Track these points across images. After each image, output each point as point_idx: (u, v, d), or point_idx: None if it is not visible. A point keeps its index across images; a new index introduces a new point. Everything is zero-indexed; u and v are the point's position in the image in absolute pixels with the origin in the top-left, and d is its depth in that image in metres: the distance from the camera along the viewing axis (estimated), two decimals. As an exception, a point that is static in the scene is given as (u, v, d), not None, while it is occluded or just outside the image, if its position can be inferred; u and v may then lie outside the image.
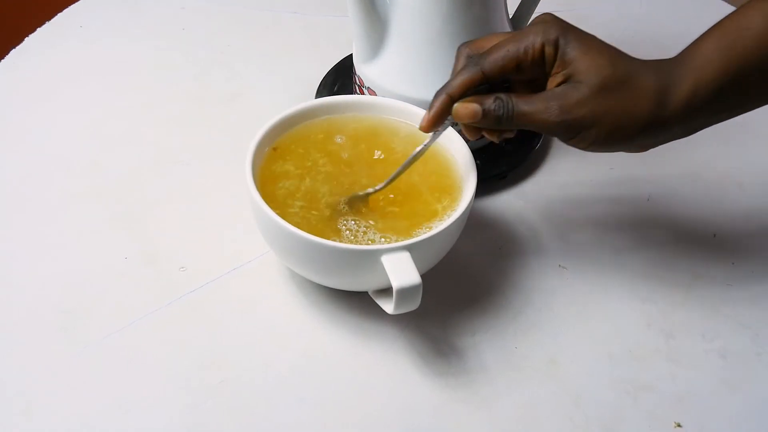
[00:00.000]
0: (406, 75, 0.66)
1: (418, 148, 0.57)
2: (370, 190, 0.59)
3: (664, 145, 0.74)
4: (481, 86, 0.54)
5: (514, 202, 0.70)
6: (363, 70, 0.68)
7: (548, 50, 0.52)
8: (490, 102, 0.53)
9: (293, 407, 0.56)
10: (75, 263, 0.63)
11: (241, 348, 0.59)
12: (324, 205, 0.58)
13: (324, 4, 0.89)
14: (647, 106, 0.52)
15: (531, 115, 0.52)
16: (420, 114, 0.62)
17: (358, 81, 0.70)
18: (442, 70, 0.66)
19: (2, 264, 0.63)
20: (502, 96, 0.53)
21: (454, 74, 0.55)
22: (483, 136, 0.56)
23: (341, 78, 0.77)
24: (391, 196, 0.59)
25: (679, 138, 0.55)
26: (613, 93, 0.51)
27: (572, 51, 0.52)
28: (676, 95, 0.52)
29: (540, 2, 0.71)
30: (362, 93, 0.70)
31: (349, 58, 0.75)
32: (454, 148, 0.61)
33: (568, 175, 0.72)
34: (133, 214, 0.66)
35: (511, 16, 0.70)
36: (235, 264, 0.63)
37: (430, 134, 0.56)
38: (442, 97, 0.54)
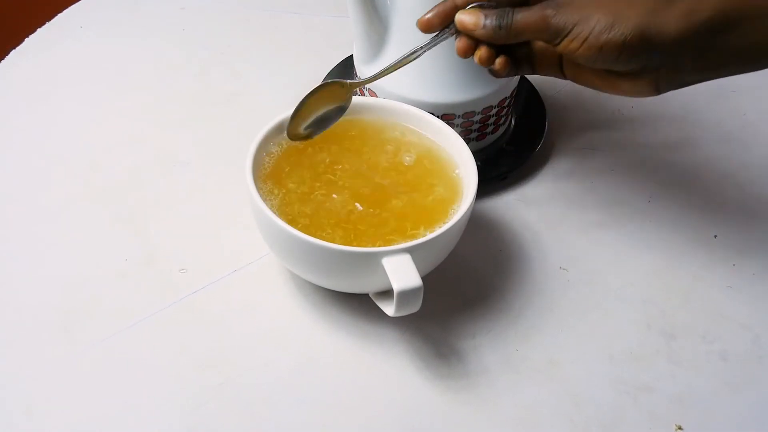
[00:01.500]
0: (406, 76, 0.66)
1: (412, 48, 0.58)
2: (353, 80, 0.60)
3: (665, 146, 0.75)
4: (487, 2, 0.56)
5: (514, 203, 0.69)
6: (363, 71, 0.68)
7: None
8: (492, 12, 0.55)
9: (293, 409, 0.56)
10: (75, 264, 0.63)
11: (241, 349, 0.59)
12: (325, 206, 0.58)
13: (324, 4, 0.89)
14: (641, 8, 0.52)
15: (528, 18, 0.54)
16: (421, 116, 0.62)
17: (358, 82, 0.70)
18: (442, 72, 0.65)
19: (2, 265, 0.63)
20: (505, 8, 0.55)
21: None
22: (471, 55, 0.57)
23: (342, 79, 0.76)
24: (403, 197, 0.59)
25: (687, 77, 0.54)
26: None
27: None
28: (675, 6, 0.52)
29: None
30: (362, 94, 0.69)
31: (350, 58, 0.75)
32: (455, 149, 0.61)
33: (569, 176, 0.72)
34: (133, 215, 0.66)
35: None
36: (236, 265, 0.63)
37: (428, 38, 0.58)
38: (446, 2, 0.56)
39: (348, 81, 0.60)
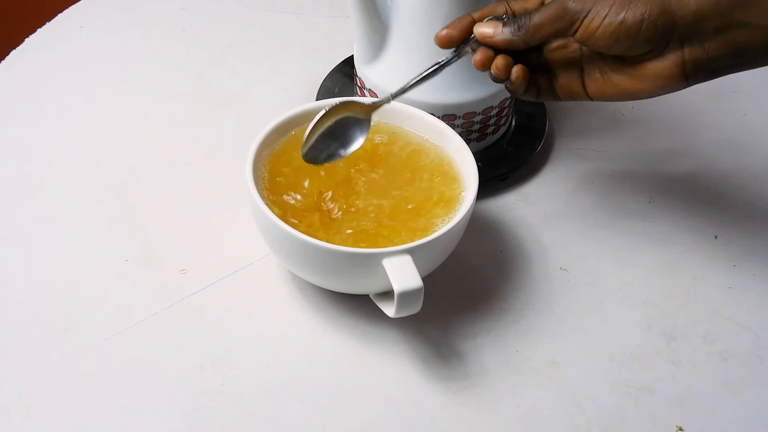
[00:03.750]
0: (407, 77, 0.65)
1: (433, 65, 0.58)
2: (375, 100, 0.59)
3: (665, 146, 0.75)
4: (504, 17, 0.57)
5: (515, 204, 0.69)
6: (364, 71, 0.68)
7: None
8: (509, 20, 0.56)
9: (294, 409, 0.56)
10: (75, 265, 0.63)
11: (241, 350, 0.59)
12: (325, 206, 0.58)
13: (324, 4, 0.88)
14: None
15: (546, 13, 0.54)
16: (422, 116, 0.62)
17: (359, 83, 0.70)
18: (443, 73, 0.65)
19: (2, 265, 0.63)
20: (522, 15, 0.56)
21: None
22: (486, 69, 0.57)
23: (342, 79, 0.76)
24: (404, 197, 0.59)
25: (714, 61, 0.54)
26: None
27: None
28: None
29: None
30: (363, 95, 0.69)
31: (350, 59, 0.75)
32: (455, 151, 0.61)
33: (569, 177, 0.72)
34: (133, 215, 0.66)
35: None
36: (236, 266, 0.63)
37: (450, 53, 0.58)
38: (464, 17, 0.57)
39: (367, 101, 0.59)
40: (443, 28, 0.57)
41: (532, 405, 0.57)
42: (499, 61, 0.56)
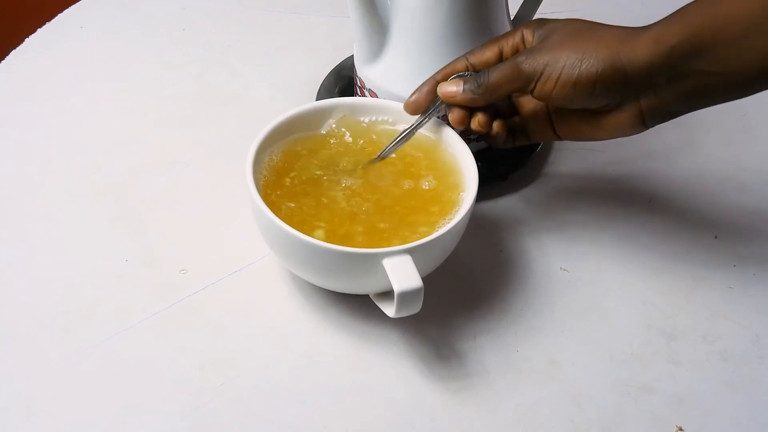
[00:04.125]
0: (407, 77, 0.66)
1: (406, 129, 0.61)
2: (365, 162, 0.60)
3: (665, 146, 0.75)
4: (467, 73, 0.59)
5: (514, 204, 0.69)
6: (364, 71, 0.68)
7: (527, 34, 0.57)
8: (470, 78, 0.58)
9: (294, 409, 0.56)
10: (76, 265, 0.63)
11: (241, 350, 0.59)
12: (325, 206, 0.58)
13: (324, 4, 0.88)
14: (608, 42, 0.53)
15: (502, 71, 0.56)
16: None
17: (359, 83, 0.70)
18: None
19: (2, 265, 0.63)
20: (481, 71, 0.57)
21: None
22: (467, 127, 0.59)
23: (342, 79, 0.76)
24: (404, 197, 0.59)
25: (671, 108, 0.55)
26: (576, 37, 0.55)
27: (547, 25, 0.56)
28: (642, 35, 0.53)
29: (541, 3, 0.71)
30: (363, 95, 0.69)
31: (350, 58, 0.75)
32: (455, 151, 0.61)
33: (569, 177, 0.72)
34: (133, 215, 0.66)
35: (512, 18, 0.70)
36: (236, 266, 0.63)
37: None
38: (428, 80, 0.60)
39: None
40: (411, 95, 0.60)
41: (532, 405, 0.57)
42: (481, 117, 0.59)
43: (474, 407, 0.57)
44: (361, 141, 0.63)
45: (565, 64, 0.54)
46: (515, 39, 0.58)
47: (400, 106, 0.63)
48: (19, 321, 0.59)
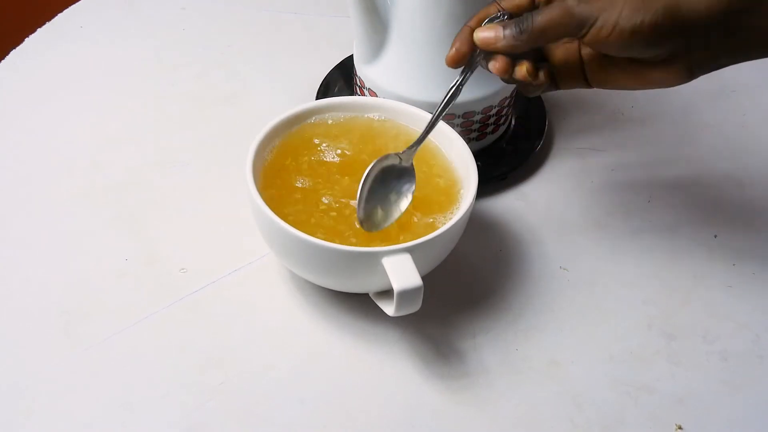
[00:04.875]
0: (407, 76, 0.66)
1: (451, 88, 0.57)
2: (400, 153, 0.58)
3: (665, 146, 0.75)
4: (501, 15, 0.55)
5: (514, 203, 0.69)
6: (364, 71, 0.68)
7: None
8: (509, 22, 0.54)
9: (293, 409, 0.56)
10: (76, 264, 0.63)
11: (241, 349, 0.59)
12: (325, 206, 0.58)
13: (324, 4, 0.89)
14: None
15: (549, 14, 0.52)
16: (421, 116, 0.62)
17: (358, 82, 0.70)
18: (443, 71, 0.65)
19: (3, 265, 0.63)
20: (524, 14, 0.53)
21: None
22: (511, 76, 0.55)
23: (342, 79, 0.77)
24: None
25: (723, 58, 0.53)
26: None
27: None
28: None
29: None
30: (363, 94, 0.69)
31: (350, 58, 0.75)
32: (455, 150, 0.61)
33: (569, 176, 0.72)
34: (133, 215, 0.66)
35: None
36: (236, 265, 0.63)
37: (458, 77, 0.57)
38: (464, 28, 0.55)
39: (399, 153, 0.58)
40: (450, 49, 0.56)
41: (532, 404, 0.57)
42: (528, 65, 0.55)
43: (474, 406, 0.57)
44: (362, 141, 0.63)
45: (623, 10, 0.51)
46: None
47: (400, 105, 0.63)
48: (19, 321, 0.59)
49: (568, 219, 0.69)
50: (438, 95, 0.65)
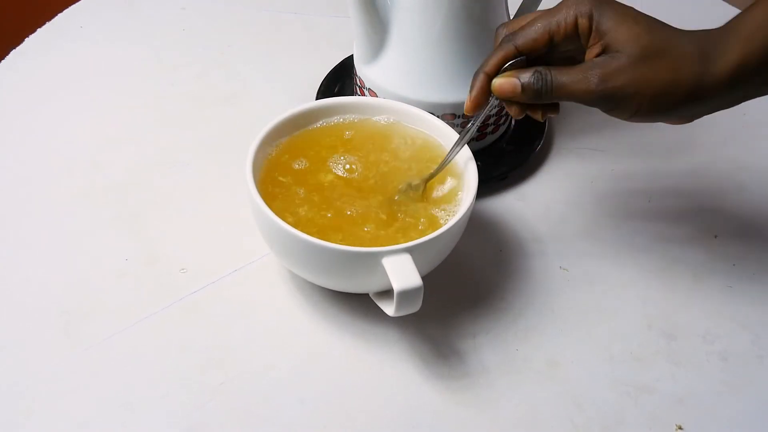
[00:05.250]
0: (407, 76, 0.66)
1: (468, 128, 0.58)
2: (416, 181, 0.59)
3: (665, 146, 0.75)
4: (517, 59, 0.54)
5: (514, 203, 0.69)
6: (364, 71, 0.68)
7: (582, 22, 0.52)
8: (528, 75, 0.53)
9: (293, 409, 0.56)
10: (76, 264, 0.63)
11: (241, 349, 0.59)
12: (325, 206, 0.58)
13: (324, 4, 0.89)
14: (689, 74, 0.51)
15: (570, 85, 0.52)
16: (421, 115, 0.62)
17: (359, 82, 0.70)
18: (443, 72, 0.65)
19: (3, 265, 0.63)
20: (541, 69, 0.53)
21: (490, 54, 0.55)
22: (527, 114, 0.56)
23: (342, 79, 0.77)
24: (404, 197, 0.59)
25: (724, 108, 0.54)
26: (653, 61, 0.51)
27: (607, 21, 0.52)
28: (722, 63, 0.51)
29: (541, 3, 0.71)
30: (363, 94, 0.69)
31: (350, 58, 0.75)
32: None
33: (569, 176, 0.72)
34: (133, 215, 0.66)
35: (512, 17, 0.70)
36: (236, 265, 0.63)
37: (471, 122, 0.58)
38: (480, 77, 0.55)
39: (412, 182, 0.60)
40: (467, 99, 0.56)
41: (532, 404, 0.57)
42: (543, 112, 0.56)
43: (474, 406, 0.57)
44: (361, 141, 0.63)
45: (645, 99, 0.51)
46: (567, 23, 0.52)
47: (400, 105, 0.63)
48: (19, 321, 0.59)
49: (568, 219, 0.69)
50: (438, 95, 0.66)
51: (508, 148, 0.72)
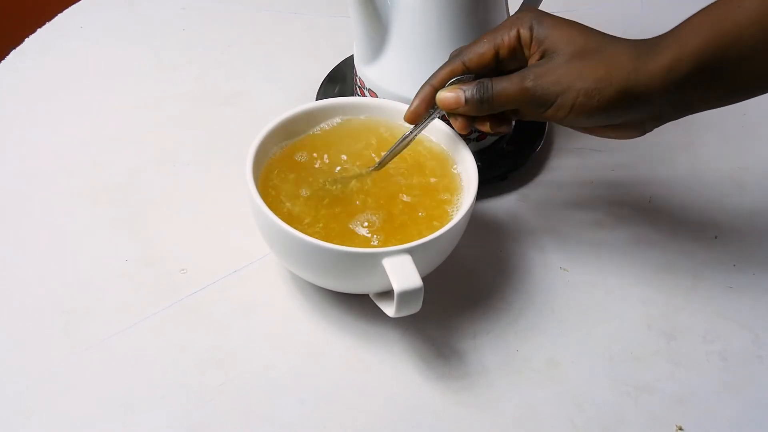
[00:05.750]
0: (407, 76, 0.66)
1: (404, 135, 0.59)
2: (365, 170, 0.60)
3: (665, 146, 0.75)
4: (465, 76, 0.56)
5: (514, 203, 0.69)
6: (364, 71, 0.68)
7: (523, 33, 0.55)
8: (471, 86, 0.55)
9: (293, 409, 0.56)
10: (76, 265, 0.63)
11: (241, 350, 0.59)
12: (325, 206, 0.58)
13: (324, 4, 0.89)
14: (622, 69, 0.52)
15: (509, 88, 0.54)
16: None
17: (359, 82, 0.70)
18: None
19: (3, 265, 0.63)
20: (483, 80, 0.55)
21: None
22: (474, 130, 0.58)
23: (342, 79, 0.77)
24: (404, 197, 0.59)
25: (671, 118, 0.55)
26: (585, 59, 0.53)
27: (546, 29, 0.54)
28: (655, 62, 0.52)
29: (541, 3, 0.71)
30: (363, 94, 0.69)
31: (350, 58, 0.75)
32: (455, 150, 0.61)
33: (569, 176, 0.72)
34: (133, 215, 0.66)
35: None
36: (236, 266, 0.63)
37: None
38: (425, 88, 0.58)
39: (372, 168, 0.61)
40: (409, 106, 0.58)
41: (532, 404, 0.57)
42: (491, 123, 0.57)
43: (474, 407, 0.57)
44: (361, 141, 0.63)
45: (579, 93, 0.52)
46: (510, 37, 0.55)
47: (400, 105, 0.63)
48: (19, 321, 0.59)
49: (568, 219, 0.69)
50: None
51: (508, 149, 0.72)
